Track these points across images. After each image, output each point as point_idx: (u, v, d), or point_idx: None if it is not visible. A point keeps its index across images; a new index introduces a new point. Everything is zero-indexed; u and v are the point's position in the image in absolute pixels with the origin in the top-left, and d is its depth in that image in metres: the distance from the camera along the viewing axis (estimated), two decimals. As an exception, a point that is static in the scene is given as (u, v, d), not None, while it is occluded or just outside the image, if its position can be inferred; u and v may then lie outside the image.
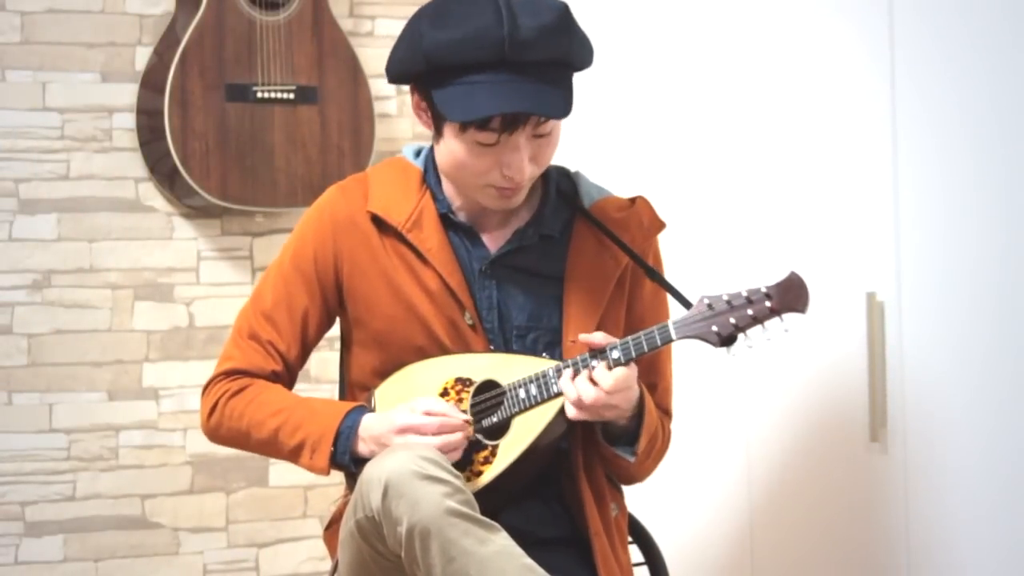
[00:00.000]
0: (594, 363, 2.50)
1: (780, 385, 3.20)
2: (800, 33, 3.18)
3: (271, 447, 2.64)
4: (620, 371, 2.48)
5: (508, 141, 2.52)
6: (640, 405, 2.57)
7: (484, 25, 2.47)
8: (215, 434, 2.70)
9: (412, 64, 2.54)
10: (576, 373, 2.51)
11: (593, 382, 2.48)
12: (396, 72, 2.60)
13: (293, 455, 2.61)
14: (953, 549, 2.86)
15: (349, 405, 2.62)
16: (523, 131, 2.52)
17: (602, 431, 2.59)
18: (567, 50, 2.53)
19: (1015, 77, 2.73)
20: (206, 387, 2.70)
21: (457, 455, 2.51)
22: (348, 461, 2.57)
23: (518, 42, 2.47)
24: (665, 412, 2.73)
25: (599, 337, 2.51)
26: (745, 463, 3.28)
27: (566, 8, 2.54)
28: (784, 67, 3.21)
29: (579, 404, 2.49)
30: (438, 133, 2.59)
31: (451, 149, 2.57)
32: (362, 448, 2.57)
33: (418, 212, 2.64)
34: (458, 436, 2.51)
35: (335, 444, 2.57)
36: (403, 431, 2.51)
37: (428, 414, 2.51)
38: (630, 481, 2.70)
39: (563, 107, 2.52)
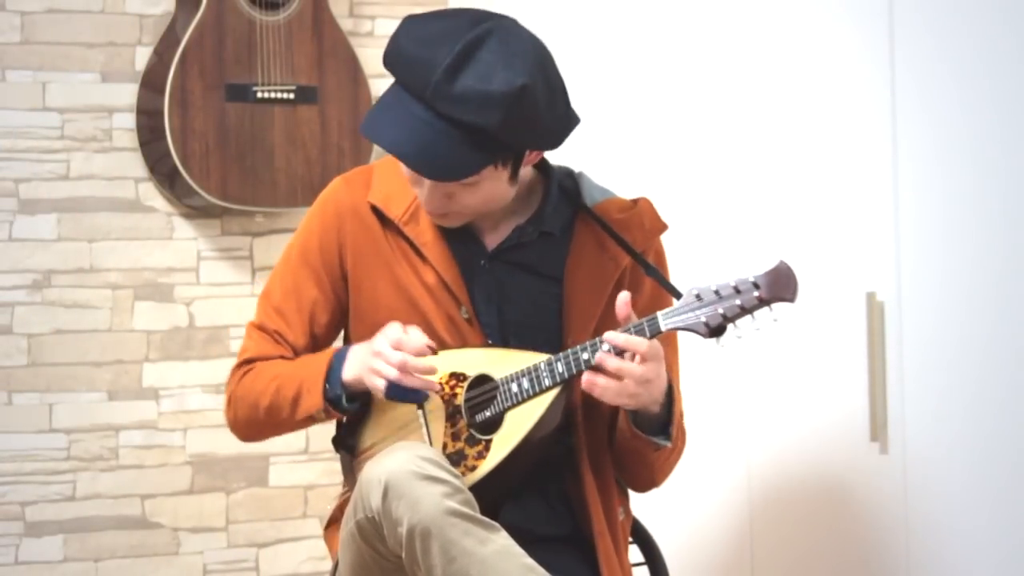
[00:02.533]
0: (584, 355, 2.50)
1: (780, 385, 3.20)
2: (800, 33, 3.18)
3: (276, 410, 2.63)
4: (645, 340, 2.46)
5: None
6: (668, 391, 2.57)
7: (428, 59, 2.44)
8: (236, 424, 2.72)
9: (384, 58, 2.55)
10: (567, 365, 2.51)
11: (624, 353, 2.46)
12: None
13: (294, 406, 2.61)
14: (953, 549, 2.86)
15: (340, 346, 2.63)
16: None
17: (633, 422, 2.57)
18: (496, 125, 2.43)
19: (1015, 77, 2.74)
20: (226, 385, 2.73)
21: (419, 375, 2.51)
22: (340, 391, 2.57)
23: (443, 95, 2.42)
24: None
25: (623, 310, 2.49)
26: (745, 463, 3.28)
27: (522, 88, 2.42)
28: (784, 67, 3.21)
29: (609, 380, 2.46)
30: None
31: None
32: (347, 370, 2.56)
33: (415, 206, 2.65)
34: (424, 360, 2.51)
35: (327, 378, 2.58)
36: (375, 354, 2.51)
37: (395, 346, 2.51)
38: (651, 484, 2.70)
39: (443, 169, 2.47)
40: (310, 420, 2.64)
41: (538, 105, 2.46)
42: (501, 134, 2.45)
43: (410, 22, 2.53)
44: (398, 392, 2.51)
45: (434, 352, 2.54)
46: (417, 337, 2.53)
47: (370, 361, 2.52)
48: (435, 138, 2.45)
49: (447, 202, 2.55)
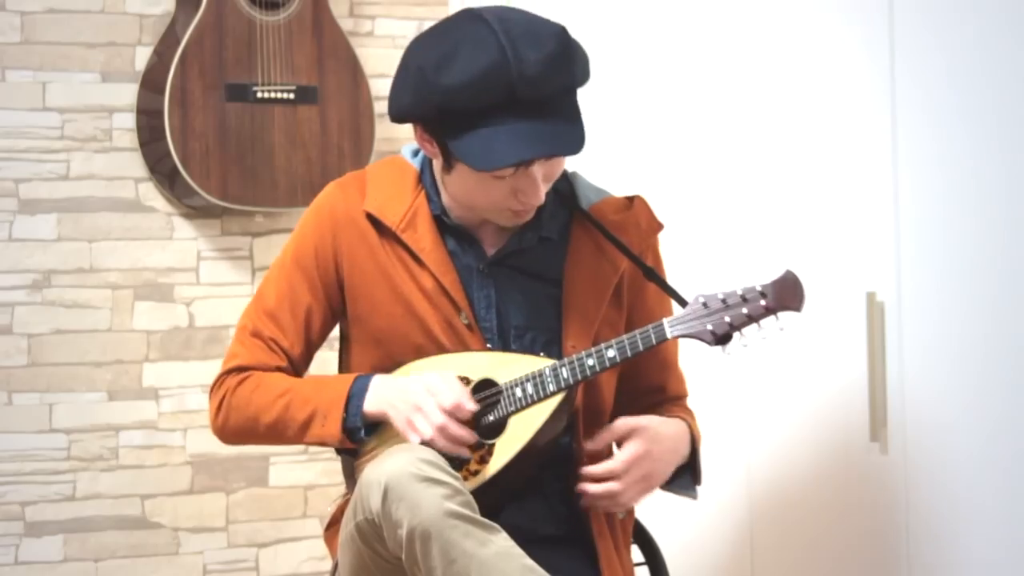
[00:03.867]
0: (590, 361, 2.50)
1: (780, 385, 3.20)
2: (800, 33, 3.18)
3: (280, 428, 2.62)
4: (619, 456, 2.57)
5: (524, 172, 2.52)
6: (691, 443, 2.66)
7: (491, 65, 2.44)
8: (224, 430, 2.69)
9: (423, 111, 2.51)
10: (572, 371, 2.52)
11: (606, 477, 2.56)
12: (405, 117, 2.56)
13: (303, 429, 2.60)
14: (953, 549, 2.86)
15: (358, 373, 2.62)
16: (538, 162, 2.52)
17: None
18: (572, 76, 2.51)
19: (1015, 77, 2.73)
20: (212, 388, 2.70)
21: (456, 443, 2.53)
22: (360, 423, 2.57)
23: (527, 79, 2.45)
24: (680, 396, 2.79)
25: (607, 439, 2.59)
26: (745, 463, 3.28)
27: (563, 30, 2.51)
28: (784, 67, 3.21)
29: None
30: (448, 166, 2.57)
31: (464, 182, 2.56)
32: (370, 402, 2.56)
33: (412, 212, 2.64)
34: (463, 429, 2.52)
35: (347, 408, 2.57)
36: (417, 408, 2.52)
37: (443, 410, 2.51)
38: None
39: (579, 141, 2.50)
40: (318, 444, 2.64)
41: (574, 41, 2.54)
42: (576, 79, 2.52)
43: (429, 61, 2.49)
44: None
45: (476, 418, 2.55)
46: (463, 396, 2.52)
47: (409, 412, 2.52)
48: (551, 123, 2.48)
49: (546, 186, 2.57)
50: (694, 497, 2.70)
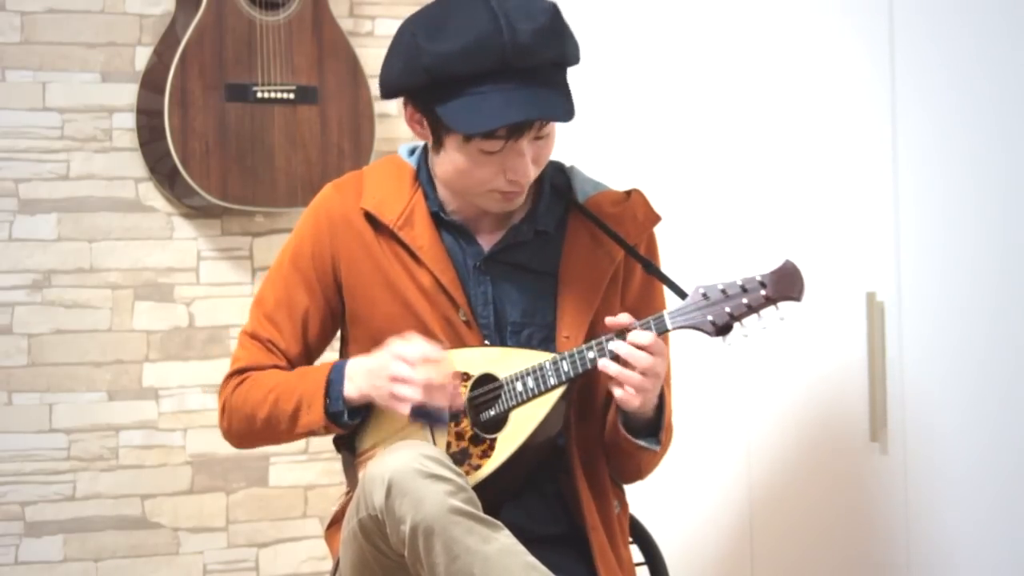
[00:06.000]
0: (590, 354, 2.51)
1: (780, 385, 3.21)
2: (800, 33, 3.18)
3: (274, 422, 2.64)
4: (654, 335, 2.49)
5: (513, 147, 2.52)
6: (660, 395, 2.58)
7: (484, 33, 2.48)
8: (229, 433, 2.72)
9: (412, 78, 2.53)
10: (573, 364, 2.52)
11: (637, 347, 2.48)
12: (394, 87, 2.58)
13: (293, 419, 2.62)
14: (953, 549, 2.86)
15: (338, 359, 2.63)
16: (527, 136, 2.52)
17: (624, 426, 2.59)
18: (563, 50, 2.54)
19: (1015, 77, 2.74)
20: (218, 394, 2.72)
21: (445, 393, 2.52)
22: (342, 407, 2.58)
23: (519, 47, 2.48)
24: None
25: (624, 317, 2.51)
26: (745, 463, 3.29)
27: (556, 8, 2.55)
28: (784, 67, 3.22)
29: (625, 370, 2.48)
30: (438, 144, 2.59)
31: (453, 159, 2.57)
32: (349, 388, 2.57)
33: (409, 210, 2.65)
34: (443, 373, 2.52)
35: (328, 393, 2.58)
36: (397, 356, 2.53)
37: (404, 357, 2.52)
38: (636, 477, 2.71)
39: (569, 108, 2.53)
40: (310, 433, 2.64)
41: (565, 21, 2.56)
42: (567, 54, 2.54)
43: (420, 30, 2.52)
44: (423, 413, 2.52)
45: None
46: (429, 349, 2.52)
47: (388, 386, 2.53)
48: (541, 90, 2.50)
49: (535, 168, 2.57)
50: (655, 449, 2.63)
